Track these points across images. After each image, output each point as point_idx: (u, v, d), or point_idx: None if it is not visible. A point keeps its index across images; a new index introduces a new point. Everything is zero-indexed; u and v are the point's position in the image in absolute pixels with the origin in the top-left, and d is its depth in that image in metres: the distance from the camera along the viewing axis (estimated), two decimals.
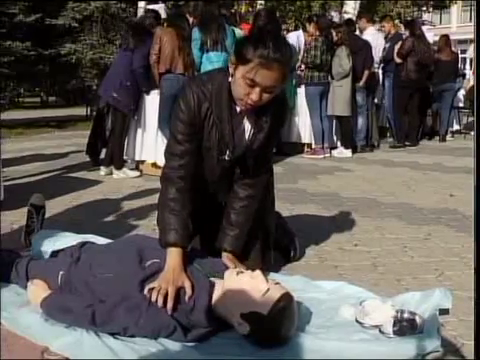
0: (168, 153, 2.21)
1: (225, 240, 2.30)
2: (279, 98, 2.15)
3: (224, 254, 2.28)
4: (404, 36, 7.80)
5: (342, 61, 6.58)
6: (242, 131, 2.17)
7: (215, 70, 2.41)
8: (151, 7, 5.94)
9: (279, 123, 2.27)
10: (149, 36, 5.19)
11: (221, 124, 2.12)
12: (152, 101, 5.29)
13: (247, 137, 2.18)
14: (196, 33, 5.12)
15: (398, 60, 7.54)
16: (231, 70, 2.05)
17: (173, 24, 5.30)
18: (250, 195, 2.31)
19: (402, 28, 8.71)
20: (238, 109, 2.13)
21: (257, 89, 1.97)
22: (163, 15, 5.66)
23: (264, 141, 2.19)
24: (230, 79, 2.06)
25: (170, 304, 1.86)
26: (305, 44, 7.06)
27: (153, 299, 1.87)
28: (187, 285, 1.94)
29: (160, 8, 5.63)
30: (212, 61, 5.08)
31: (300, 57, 7.03)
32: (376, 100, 7.78)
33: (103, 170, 5.34)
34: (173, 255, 2.05)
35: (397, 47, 7.54)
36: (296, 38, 7.13)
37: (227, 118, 2.11)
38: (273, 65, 1.93)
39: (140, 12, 9.48)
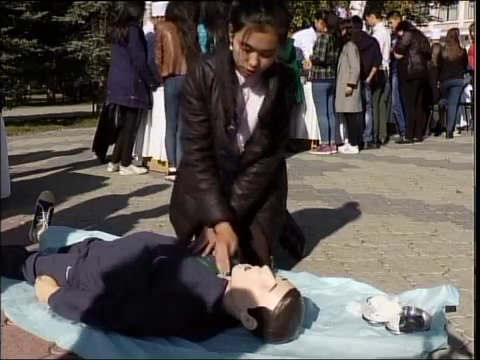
0: (183, 139, 2.26)
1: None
2: (281, 65, 2.15)
3: None
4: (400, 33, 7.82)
5: (351, 60, 6.53)
6: (246, 99, 2.17)
7: (220, 45, 2.41)
8: (157, 4, 5.89)
9: (285, 91, 2.20)
10: (135, 24, 5.19)
11: (224, 92, 2.12)
12: (159, 98, 5.29)
13: (248, 104, 2.18)
14: (202, 30, 5.08)
15: (398, 56, 7.60)
16: (231, 39, 2.05)
17: (172, 17, 5.16)
18: (256, 172, 2.28)
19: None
20: (242, 79, 2.13)
21: (254, 54, 1.98)
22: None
23: (269, 109, 2.15)
24: (231, 48, 2.07)
25: (226, 262, 2.05)
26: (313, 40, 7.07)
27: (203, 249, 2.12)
28: (233, 245, 2.11)
29: (164, 4, 5.56)
30: None
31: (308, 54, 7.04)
32: (384, 97, 7.76)
33: (111, 166, 5.36)
34: (222, 226, 2.16)
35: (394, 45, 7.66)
36: (311, 37, 7.15)
37: (229, 85, 2.11)
38: (265, 27, 1.93)
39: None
